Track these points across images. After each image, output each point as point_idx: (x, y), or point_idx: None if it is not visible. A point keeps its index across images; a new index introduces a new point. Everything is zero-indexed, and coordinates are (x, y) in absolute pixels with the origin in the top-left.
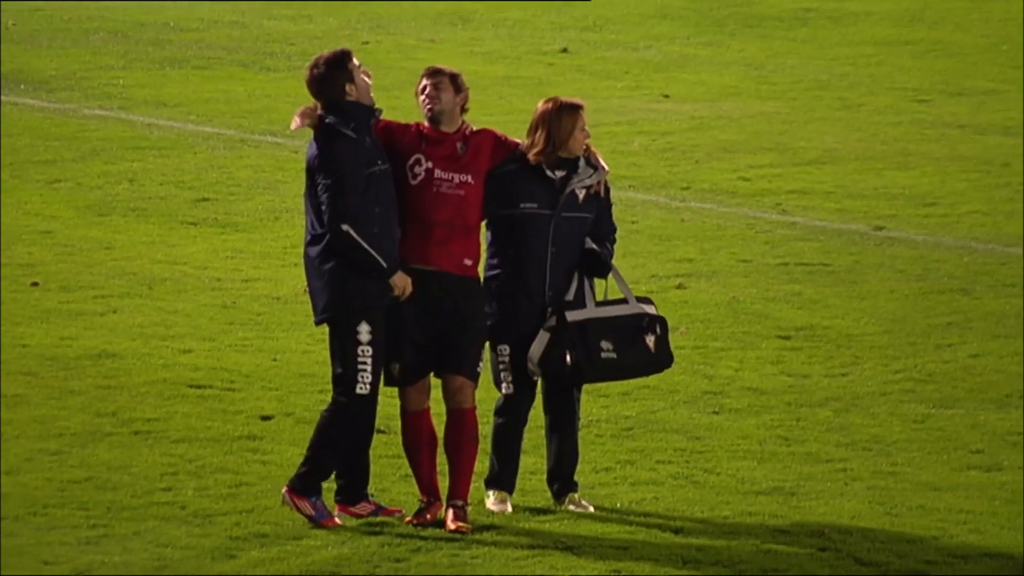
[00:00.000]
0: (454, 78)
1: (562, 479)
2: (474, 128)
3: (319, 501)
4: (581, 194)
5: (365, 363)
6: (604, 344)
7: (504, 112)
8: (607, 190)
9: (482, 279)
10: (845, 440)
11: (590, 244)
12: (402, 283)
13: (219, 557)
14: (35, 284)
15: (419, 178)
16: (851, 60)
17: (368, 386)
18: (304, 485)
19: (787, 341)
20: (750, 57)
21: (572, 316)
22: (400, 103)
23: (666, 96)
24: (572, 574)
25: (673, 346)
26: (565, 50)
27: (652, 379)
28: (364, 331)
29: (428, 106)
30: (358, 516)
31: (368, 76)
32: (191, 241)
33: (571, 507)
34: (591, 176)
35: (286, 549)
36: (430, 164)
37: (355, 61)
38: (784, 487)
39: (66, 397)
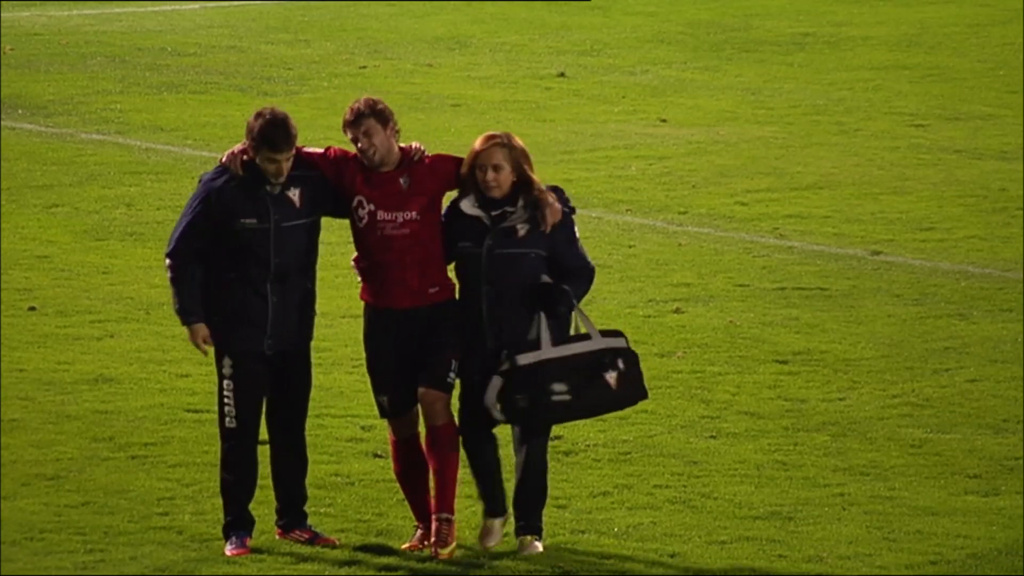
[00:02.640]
0: (377, 114)
1: (523, 515)
2: (422, 152)
3: (234, 536)
4: (522, 230)
5: (228, 396)
6: (557, 387)
7: None
8: (566, 225)
9: None
10: (842, 465)
11: (545, 279)
12: (193, 338)
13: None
14: (32, 309)
15: (364, 221)
16: (848, 85)
17: (234, 420)
18: (224, 529)
19: (784, 365)
20: (747, 82)
21: (524, 359)
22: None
23: (663, 120)
24: None
25: (670, 370)
26: (562, 74)
27: (649, 404)
28: (227, 365)
29: (368, 157)
30: (296, 541)
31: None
32: None
33: (521, 550)
34: (522, 218)
35: (284, 574)
36: (372, 207)
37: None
38: (781, 511)
39: (63, 422)
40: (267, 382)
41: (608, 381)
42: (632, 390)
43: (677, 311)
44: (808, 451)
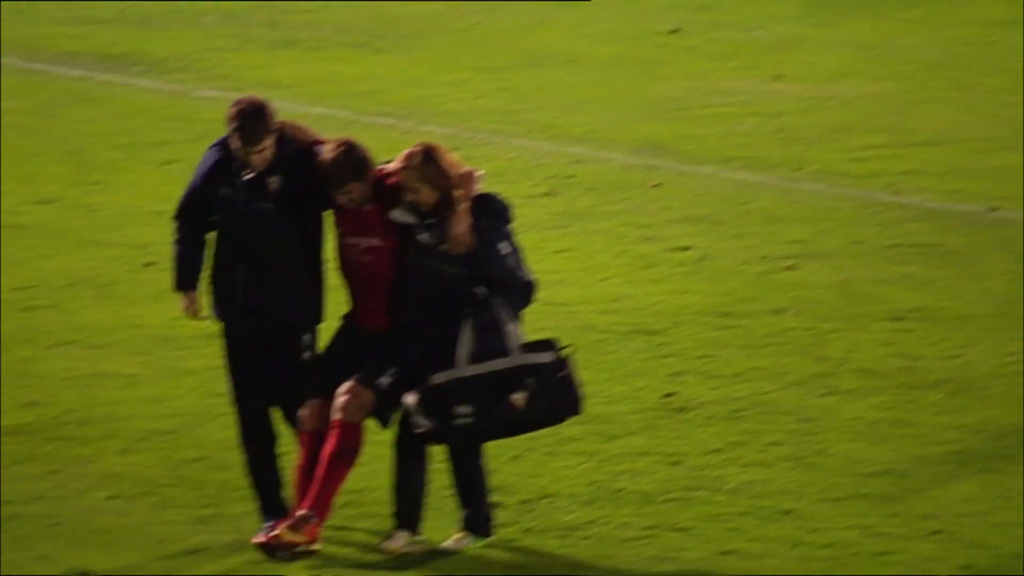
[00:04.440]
0: (359, 174)
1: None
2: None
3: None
4: (442, 246)
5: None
6: (460, 409)
7: (615, 94)
8: (486, 240)
9: None
10: (957, 423)
11: (477, 290)
12: (184, 306)
13: (331, 538)
14: (149, 264)
15: (338, 240)
16: (965, 40)
17: (230, 400)
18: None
19: (899, 323)
20: (862, 37)
21: (438, 378)
22: (511, 84)
23: (778, 77)
24: (682, 555)
25: (783, 327)
26: (677, 31)
27: (762, 360)
28: (222, 344)
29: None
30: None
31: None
32: None
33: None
34: (441, 234)
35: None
36: (342, 228)
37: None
38: (895, 469)
39: (180, 377)
40: (258, 364)
41: (514, 402)
42: (547, 408)
43: (791, 268)
44: (923, 409)
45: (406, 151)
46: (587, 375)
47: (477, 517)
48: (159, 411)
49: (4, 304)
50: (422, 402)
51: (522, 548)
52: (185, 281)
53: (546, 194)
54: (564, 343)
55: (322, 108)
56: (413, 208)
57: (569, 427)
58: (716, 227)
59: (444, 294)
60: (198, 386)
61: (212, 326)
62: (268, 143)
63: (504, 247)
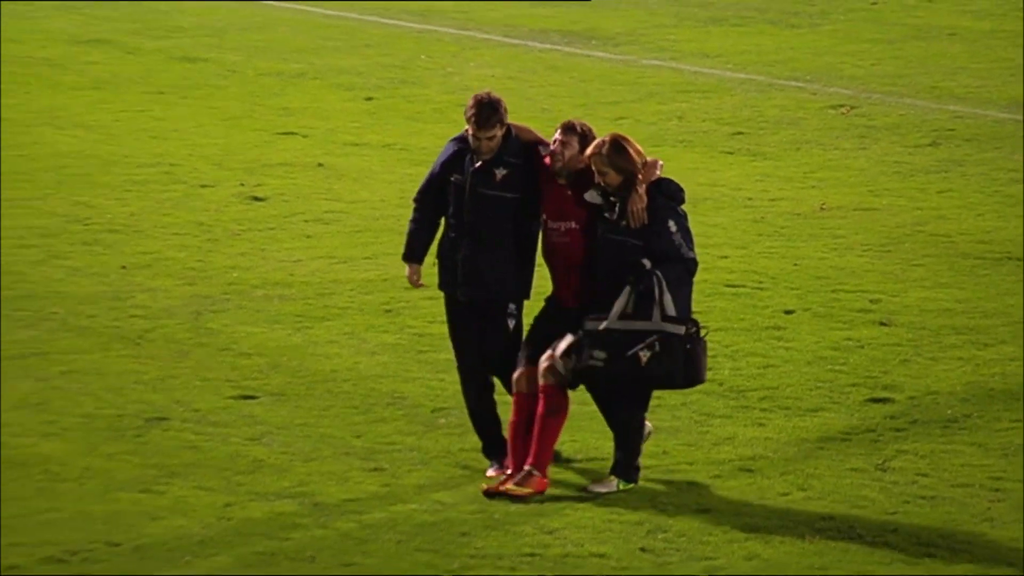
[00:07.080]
0: (584, 137)
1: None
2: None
3: (492, 461)
4: (623, 221)
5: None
6: (596, 353)
7: (989, 60)
8: (657, 219)
9: None
10: None
11: (644, 262)
12: (408, 275)
13: (797, 444)
14: None
15: (543, 226)
16: None
17: (454, 356)
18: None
19: None
20: None
21: (589, 324)
22: (902, 53)
23: None
24: None
25: None
26: None
27: None
28: (445, 307)
29: (553, 161)
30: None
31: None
32: (728, 167)
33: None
34: (623, 211)
35: (804, 421)
36: (545, 215)
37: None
38: None
39: None
40: (473, 328)
41: (639, 358)
42: (666, 371)
43: None
44: None
45: (598, 140)
46: (964, 294)
47: (626, 462)
48: None
49: None
50: (574, 344)
51: (909, 436)
52: (412, 254)
53: (931, 144)
54: (704, 327)
55: (743, 74)
56: (602, 191)
57: (949, 336)
58: None
59: (624, 263)
60: None
61: None
62: (497, 132)
63: (673, 225)
